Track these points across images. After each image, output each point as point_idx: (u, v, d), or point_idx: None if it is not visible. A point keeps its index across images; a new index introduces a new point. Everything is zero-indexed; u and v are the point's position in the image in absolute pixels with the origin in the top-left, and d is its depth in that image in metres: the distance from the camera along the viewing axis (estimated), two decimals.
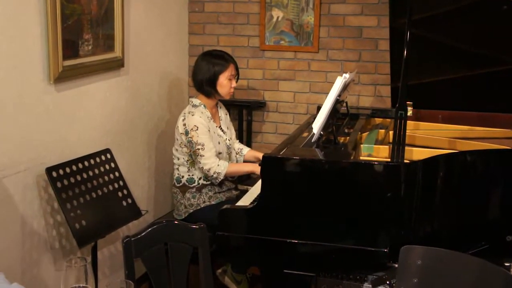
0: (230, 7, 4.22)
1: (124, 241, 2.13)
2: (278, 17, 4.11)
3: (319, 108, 3.67)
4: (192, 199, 3.48)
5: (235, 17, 4.23)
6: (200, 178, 3.49)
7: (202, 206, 3.48)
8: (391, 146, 3.04)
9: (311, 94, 4.16)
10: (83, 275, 1.74)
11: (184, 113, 3.47)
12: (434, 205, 2.71)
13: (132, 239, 2.15)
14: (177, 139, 3.50)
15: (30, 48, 2.75)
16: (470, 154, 2.76)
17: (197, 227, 2.31)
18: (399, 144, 2.72)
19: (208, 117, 3.47)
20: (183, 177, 3.51)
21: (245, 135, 4.29)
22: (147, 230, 2.21)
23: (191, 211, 3.49)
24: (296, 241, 2.68)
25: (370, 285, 2.78)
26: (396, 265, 2.60)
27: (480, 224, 2.81)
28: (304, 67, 4.14)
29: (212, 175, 3.41)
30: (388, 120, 3.63)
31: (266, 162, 2.73)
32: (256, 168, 3.48)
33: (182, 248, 2.30)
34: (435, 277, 2.19)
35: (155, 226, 2.25)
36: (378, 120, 3.69)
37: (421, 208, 2.66)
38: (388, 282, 2.73)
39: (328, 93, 3.00)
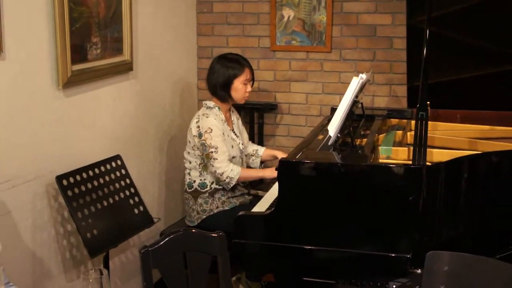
0: (240, 7, 4.14)
1: (142, 251, 2.05)
2: (289, 17, 4.03)
3: (333, 109, 3.61)
4: (205, 205, 3.40)
5: (244, 17, 4.14)
6: (212, 183, 3.41)
7: (215, 211, 3.40)
8: (409, 148, 2.96)
9: (324, 95, 4.07)
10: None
11: (198, 115, 3.39)
12: (458, 208, 2.63)
13: (150, 249, 2.07)
14: (189, 142, 3.41)
15: (38, 52, 2.68)
16: (495, 155, 2.67)
17: (216, 235, 2.23)
18: (420, 146, 2.64)
19: (222, 119, 3.39)
20: (194, 181, 3.43)
21: (257, 138, 4.21)
22: (165, 240, 2.13)
23: (204, 217, 3.41)
24: (316, 248, 2.60)
25: None
26: (419, 271, 2.53)
27: (506, 227, 2.72)
28: (317, 68, 4.05)
29: (225, 180, 3.32)
30: (405, 120, 3.54)
31: (283, 167, 2.64)
32: (267, 174, 3.41)
33: (201, 257, 2.22)
34: (462, 284, 2.13)
35: (172, 236, 2.17)
36: (394, 121, 3.60)
37: (444, 212, 2.58)
38: None
39: (341, 94, 2.92)
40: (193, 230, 2.31)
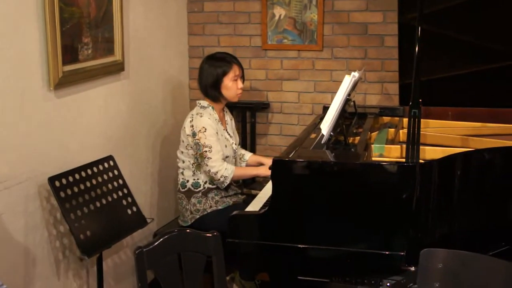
0: (231, 6, 4.13)
1: (136, 252, 2.04)
2: (280, 15, 4.02)
3: (325, 108, 3.61)
4: (198, 204, 3.39)
5: (235, 16, 4.14)
6: (205, 182, 3.40)
7: (208, 211, 3.39)
8: (402, 145, 2.97)
9: (316, 93, 4.07)
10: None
11: (192, 115, 3.38)
12: (451, 205, 2.64)
13: (144, 250, 2.06)
14: (183, 141, 3.40)
15: (29, 53, 2.66)
16: (488, 152, 2.68)
17: (211, 235, 2.23)
18: (413, 143, 2.64)
19: (216, 119, 3.39)
20: (188, 181, 3.42)
21: (249, 138, 4.20)
22: (159, 240, 2.12)
23: (197, 216, 3.40)
24: (310, 246, 2.60)
25: None
26: (412, 269, 2.54)
27: (499, 224, 2.73)
28: (308, 66, 4.05)
29: (219, 179, 3.32)
30: (397, 118, 3.55)
31: (277, 166, 2.64)
32: (261, 171, 3.41)
33: (196, 257, 2.22)
34: (457, 281, 2.13)
35: (166, 236, 2.16)
36: (386, 119, 3.60)
37: (437, 210, 2.58)
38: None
39: (333, 92, 2.92)
40: (188, 230, 2.30)
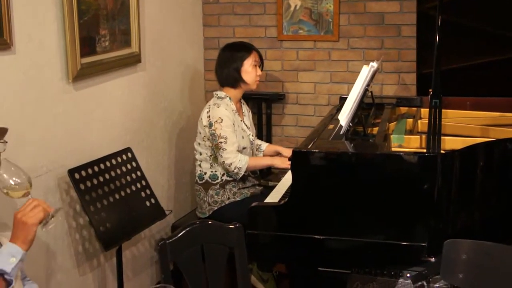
0: None
1: (159, 244, 2.04)
2: (296, 6, 3.99)
3: (341, 98, 3.59)
4: (216, 196, 3.39)
5: (251, 7, 4.11)
6: (223, 174, 3.39)
7: (226, 203, 3.38)
8: (421, 136, 2.95)
9: (332, 84, 4.04)
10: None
11: (209, 105, 3.37)
12: (473, 196, 2.62)
13: (167, 242, 2.06)
14: (200, 133, 3.40)
15: (48, 46, 2.65)
16: (510, 142, 2.65)
17: (233, 227, 2.22)
18: (434, 133, 2.62)
19: (233, 110, 3.37)
20: (205, 173, 3.41)
21: (265, 129, 4.19)
22: (182, 232, 2.12)
23: (215, 208, 3.39)
24: (331, 238, 2.59)
25: (406, 281, 2.69)
26: (433, 259, 2.52)
27: None
28: (325, 57, 4.02)
29: (233, 170, 3.31)
30: (414, 108, 3.52)
31: (297, 157, 2.63)
32: (276, 161, 3.40)
33: (219, 249, 2.21)
34: (482, 272, 2.12)
35: (189, 228, 2.15)
36: (403, 109, 3.58)
37: (459, 200, 2.56)
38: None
39: (350, 83, 2.90)
40: (210, 222, 2.29)
